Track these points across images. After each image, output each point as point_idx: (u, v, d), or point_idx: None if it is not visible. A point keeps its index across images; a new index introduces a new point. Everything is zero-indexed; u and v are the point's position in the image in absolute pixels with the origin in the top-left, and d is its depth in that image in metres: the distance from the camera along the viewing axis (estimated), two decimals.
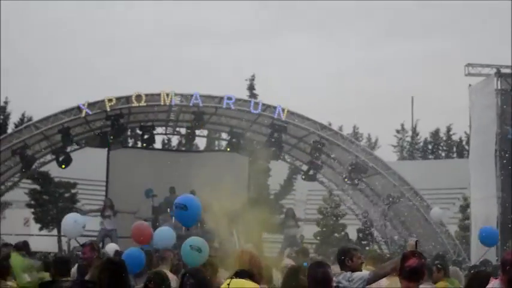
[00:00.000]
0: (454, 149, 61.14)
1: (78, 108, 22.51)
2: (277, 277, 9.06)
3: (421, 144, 62.96)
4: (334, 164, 26.18)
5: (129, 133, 33.38)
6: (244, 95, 42.63)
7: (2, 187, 26.40)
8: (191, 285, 6.05)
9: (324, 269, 6.42)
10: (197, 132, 25.97)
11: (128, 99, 22.86)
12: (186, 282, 6.09)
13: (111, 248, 14.24)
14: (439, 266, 9.31)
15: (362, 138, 60.51)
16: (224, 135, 28.60)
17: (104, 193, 24.88)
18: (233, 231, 18.36)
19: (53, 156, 24.62)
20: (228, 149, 26.35)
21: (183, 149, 39.81)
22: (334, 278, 6.81)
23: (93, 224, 22.47)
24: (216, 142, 44.46)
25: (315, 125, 24.23)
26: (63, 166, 24.23)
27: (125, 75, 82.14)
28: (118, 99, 22.80)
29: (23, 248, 12.22)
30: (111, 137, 23.89)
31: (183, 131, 27.75)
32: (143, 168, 23.85)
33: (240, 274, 5.63)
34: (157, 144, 30.80)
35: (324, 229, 33.38)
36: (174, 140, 51.50)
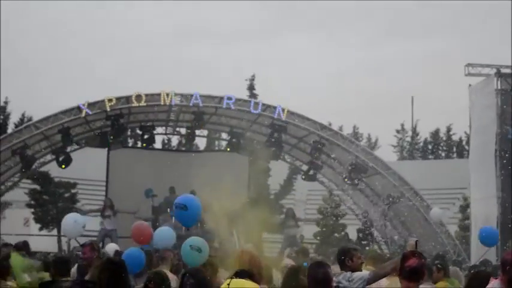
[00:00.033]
0: (454, 149, 61.15)
1: (78, 108, 22.51)
2: (277, 277, 9.07)
3: (421, 144, 62.96)
4: (334, 164, 26.18)
5: (129, 133, 33.42)
6: (244, 95, 42.65)
7: (2, 187, 26.40)
8: (191, 285, 6.05)
9: (324, 269, 6.42)
10: (197, 132, 25.97)
11: (128, 99, 22.86)
12: (186, 282, 6.09)
13: (111, 248, 14.24)
14: (439, 266, 9.31)
15: (362, 138, 60.52)
16: (224, 135, 28.61)
17: (103, 193, 24.88)
18: (233, 231, 18.38)
19: (53, 156, 24.62)
20: (228, 149, 26.34)
21: (183, 149, 39.82)
22: (334, 278, 6.81)
23: (93, 224, 22.49)
24: (216, 142, 44.47)
25: (315, 125, 24.23)
26: (63, 166, 24.23)
27: (124, 75, 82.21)
28: (118, 99, 22.80)
29: (22, 248, 12.22)
30: (111, 137, 23.88)
31: (183, 131, 27.75)
32: (143, 168, 23.85)
33: (240, 274, 5.64)
34: (157, 144, 30.80)
35: (324, 229, 33.37)
36: (174, 140, 51.53)
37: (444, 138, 62.05)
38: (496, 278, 6.85)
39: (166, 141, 51.69)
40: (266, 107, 23.83)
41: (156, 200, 21.53)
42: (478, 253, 19.75)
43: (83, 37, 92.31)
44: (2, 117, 48.52)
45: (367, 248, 22.66)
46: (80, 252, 10.10)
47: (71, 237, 14.40)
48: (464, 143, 56.75)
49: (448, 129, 61.25)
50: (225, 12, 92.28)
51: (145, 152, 25.64)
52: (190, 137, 26.83)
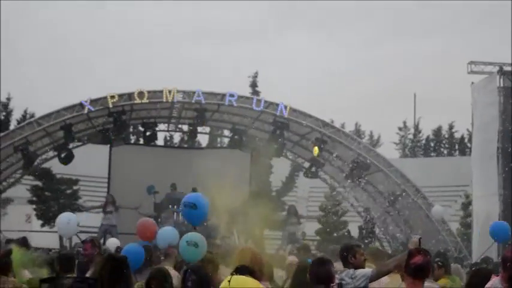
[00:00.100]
0: (456, 147, 61.10)
1: (81, 105, 22.52)
2: (278, 275, 9.08)
3: (423, 141, 62.90)
4: (336, 161, 26.18)
5: (131, 130, 33.46)
6: (246, 93, 42.62)
7: (4, 183, 26.42)
8: (193, 281, 6.07)
9: (326, 266, 6.42)
10: (199, 129, 25.97)
11: (130, 96, 22.85)
12: (188, 279, 6.11)
13: (112, 243, 14.26)
14: (439, 263, 9.31)
15: (364, 136, 60.48)
16: (226, 132, 28.57)
17: (105, 190, 24.89)
18: (233, 230, 18.41)
19: (55, 153, 24.65)
20: (231, 146, 26.35)
21: (185, 145, 39.87)
22: (337, 275, 6.81)
23: (95, 220, 22.51)
24: (218, 139, 44.46)
25: (317, 122, 24.22)
26: (65, 163, 24.24)
27: (124, 75, 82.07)
28: (120, 96, 22.80)
29: (22, 244, 12.21)
30: (113, 134, 23.88)
31: (185, 127, 27.77)
32: (145, 165, 23.86)
33: (240, 270, 5.63)
34: (160, 141, 30.93)
35: (326, 226, 33.38)
36: (176, 137, 51.52)
37: (446, 136, 62.01)
38: (497, 275, 6.85)
39: (168, 138, 51.73)
40: (268, 104, 23.82)
41: (158, 197, 21.55)
42: (479, 250, 19.78)
43: (83, 37, 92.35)
44: (4, 113, 48.58)
45: (369, 245, 22.67)
46: (81, 249, 10.11)
47: (66, 236, 14.45)
48: (466, 140, 56.72)
49: (450, 127, 61.23)
50: (225, 12, 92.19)
51: (147, 148, 25.64)
52: (193, 134, 26.82)
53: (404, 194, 24.45)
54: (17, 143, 22.52)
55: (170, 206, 20.67)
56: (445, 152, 61.56)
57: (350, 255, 7.43)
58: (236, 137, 25.59)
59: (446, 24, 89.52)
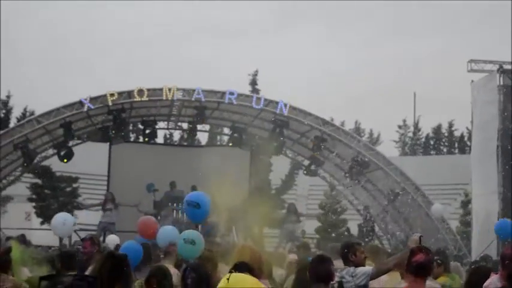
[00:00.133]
0: (456, 145, 61.15)
1: (80, 103, 22.50)
2: (277, 273, 9.09)
3: (423, 139, 62.94)
4: (336, 159, 26.18)
5: (131, 128, 33.47)
6: (246, 92, 42.64)
7: (4, 181, 26.43)
8: (192, 279, 6.07)
9: (326, 264, 6.42)
10: (199, 127, 25.95)
11: (130, 93, 22.83)
12: (188, 276, 6.11)
13: (111, 240, 14.26)
14: (438, 261, 9.32)
15: (364, 134, 60.50)
16: (226, 130, 28.56)
17: (105, 188, 24.89)
18: (232, 228, 18.42)
19: (55, 151, 24.63)
20: (230, 144, 26.35)
21: (185, 143, 39.92)
22: (337, 273, 6.81)
23: (95, 218, 22.53)
24: (218, 137, 44.52)
25: (317, 120, 24.21)
26: (65, 160, 24.23)
27: (124, 75, 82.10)
28: (120, 93, 22.77)
29: (20, 242, 12.21)
30: (113, 132, 23.88)
31: (185, 125, 27.75)
32: (145, 162, 23.84)
33: (239, 267, 5.62)
34: (159, 139, 30.83)
35: (325, 224, 33.40)
36: (176, 135, 51.65)
37: (446, 134, 62.05)
38: (497, 273, 6.86)
39: (168, 136, 51.82)
40: (268, 102, 23.81)
41: (158, 195, 21.55)
42: (478, 248, 19.84)
43: (83, 37, 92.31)
44: (4, 111, 48.60)
45: (368, 243, 22.68)
46: (80, 247, 10.11)
47: (62, 236, 14.45)
48: (466, 138, 56.75)
49: (450, 125, 61.28)
50: (225, 11, 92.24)
51: (147, 146, 25.62)
52: (192, 131, 26.80)
53: (403, 192, 24.45)
54: (17, 140, 22.51)
55: (170, 204, 20.68)
56: (445, 150, 61.62)
57: (350, 253, 7.43)
58: (236, 135, 25.58)
59: (446, 23, 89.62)
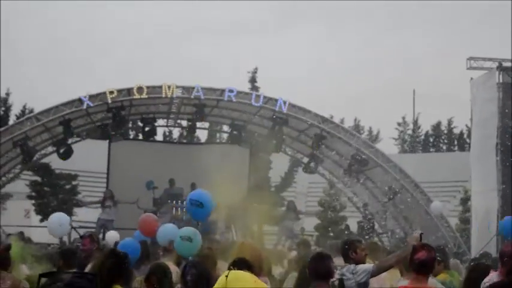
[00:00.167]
0: (455, 142, 61.21)
1: (80, 100, 22.49)
2: (276, 271, 9.09)
3: (422, 137, 62.99)
4: (335, 156, 26.19)
5: (130, 125, 33.33)
6: (245, 89, 42.65)
7: (3, 179, 26.43)
8: (192, 276, 6.08)
9: (325, 261, 6.41)
10: (198, 124, 25.96)
11: (129, 91, 22.82)
12: (187, 273, 6.12)
13: (111, 237, 14.24)
14: (438, 258, 9.31)
15: (363, 131, 60.57)
16: (225, 128, 28.58)
17: (104, 185, 24.91)
18: (231, 226, 18.43)
19: (54, 148, 24.61)
20: (229, 142, 26.34)
21: (184, 141, 39.82)
22: (337, 271, 6.81)
23: (94, 215, 22.51)
24: (217, 134, 44.50)
25: (317, 118, 24.21)
26: (64, 158, 24.22)
27: (124, 75, 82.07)
28: (119, 91, 22.76)
29: (19, 239, 12.21)
30: (112, 129, 23.87)
31: (184, 123, 27.73)
32: (144, 160, 23.85)
33: (238, 263, 5.61)
34: (159, 137, 30.83)
35: (325, 222, 33.40)
36: (175, 132, 51.58)
37: (445, 131, 62.08)
38: (496, 271, 6.87)
39: (167, 134, 51.77)
40: (268, 99, 23.80)
41: (157, 192, 21.54)
42: (478, 246, 19.83)
43: (83, 37, 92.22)
44: (3, 108, 48.58)
45: (367, 240, 22.70)
46: (80, 244, 10.12)
47: (58, 236, 14.44)
48: (465, 136, 56.77)
49: (450, 123, 61.35)
50: (225, 11, 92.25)
51: (146, 144, 25.63)
52: (192, 129, 26.80)
53: (403, 189, 24.46)
54: (16, 138, 22.49)
55: (169, 201, 20.69)
56: (444, 147, 61.67)
57: (351, 251, 7.43)
58: (235, 132, 25.58)
59: (446, 22, 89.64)
